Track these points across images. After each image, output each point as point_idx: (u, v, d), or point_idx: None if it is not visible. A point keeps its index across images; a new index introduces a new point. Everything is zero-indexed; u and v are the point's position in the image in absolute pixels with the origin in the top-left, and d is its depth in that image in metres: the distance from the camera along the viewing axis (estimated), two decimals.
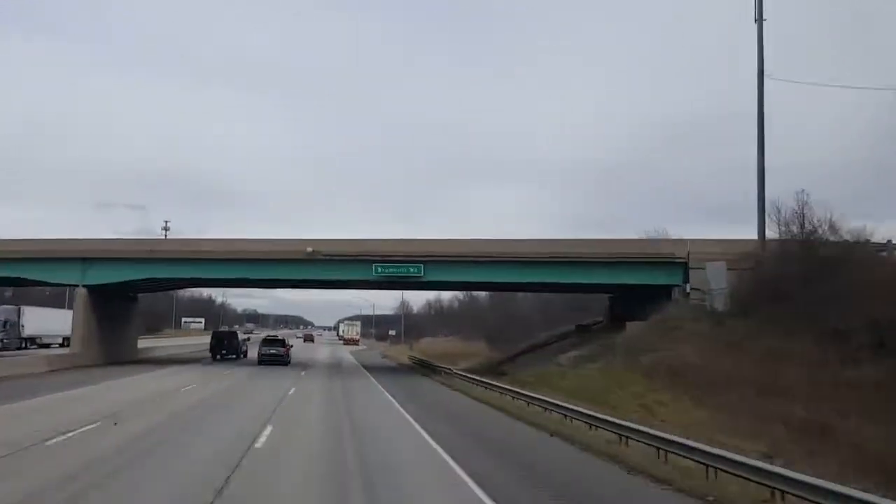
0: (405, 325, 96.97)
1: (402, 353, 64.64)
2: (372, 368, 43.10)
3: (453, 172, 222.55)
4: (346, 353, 70.20)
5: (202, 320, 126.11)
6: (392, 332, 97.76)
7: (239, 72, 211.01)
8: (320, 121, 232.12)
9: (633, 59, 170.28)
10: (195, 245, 36.82)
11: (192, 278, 41.93)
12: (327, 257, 34.83)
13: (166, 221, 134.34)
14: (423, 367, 42.98)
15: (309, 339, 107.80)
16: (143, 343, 50.69)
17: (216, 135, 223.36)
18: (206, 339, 50.86)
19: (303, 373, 35.70)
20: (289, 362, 41.72)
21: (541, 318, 56.21)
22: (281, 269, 36.67)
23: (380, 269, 34.76)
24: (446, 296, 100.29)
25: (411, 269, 34.86)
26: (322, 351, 73.55)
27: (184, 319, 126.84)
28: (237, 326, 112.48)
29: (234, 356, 44.71)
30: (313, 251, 34.44)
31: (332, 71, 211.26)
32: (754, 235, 30.02)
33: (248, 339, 58.51)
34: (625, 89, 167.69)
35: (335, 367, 43.99)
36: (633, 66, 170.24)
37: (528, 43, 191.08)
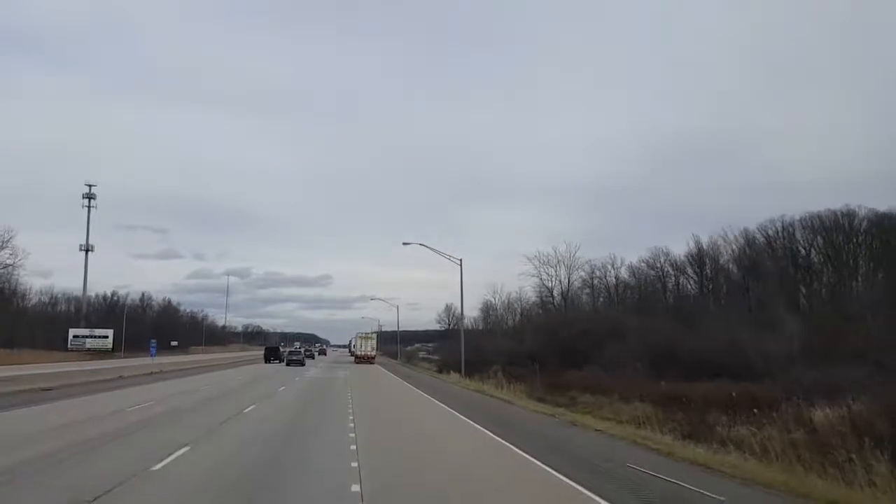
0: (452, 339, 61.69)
1: None
2: None
3: (463, 194, 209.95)
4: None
5: (109, 333, 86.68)
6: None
7: (257, 99, 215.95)
8: (342, 144, 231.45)
9: (636, 78, 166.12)
10: None
11: None
12: None
13: (90, 186, 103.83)
14: None
15: (322, 352, 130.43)
16: None
17: (237, 158, 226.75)
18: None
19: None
20: (304, 364, 68.00)
21: None
22: None
23: None
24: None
25: None
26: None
27: (73, 333, 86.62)
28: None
29: (277, 361, 75.59)
30: None
31: (352, 95, 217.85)
32: None
33: None
34: (626, 108, 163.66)
35: None
36: (635, 85, 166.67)
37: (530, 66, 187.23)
